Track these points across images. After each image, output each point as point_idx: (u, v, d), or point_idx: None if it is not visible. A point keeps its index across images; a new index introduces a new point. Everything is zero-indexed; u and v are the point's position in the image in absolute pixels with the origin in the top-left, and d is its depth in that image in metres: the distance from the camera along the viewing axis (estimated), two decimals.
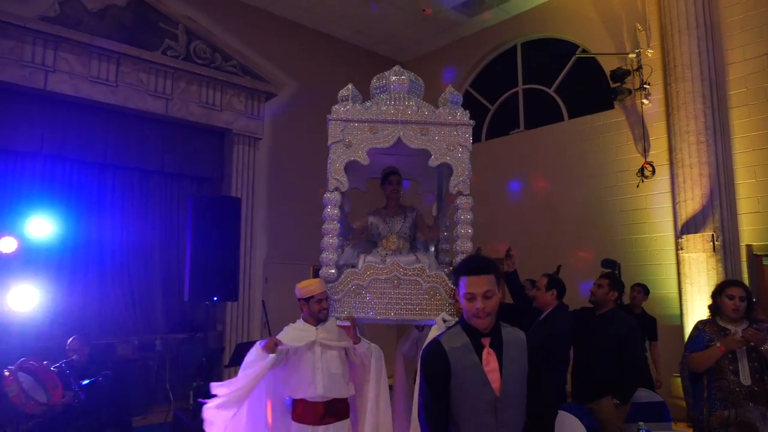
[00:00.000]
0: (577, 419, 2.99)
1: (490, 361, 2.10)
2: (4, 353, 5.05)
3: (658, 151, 6.89)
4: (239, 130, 8.04)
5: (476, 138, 9.12)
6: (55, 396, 4.10)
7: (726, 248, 6.16)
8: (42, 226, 5.00)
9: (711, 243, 6.15)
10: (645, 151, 6.99)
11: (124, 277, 7.32)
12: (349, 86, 3.58)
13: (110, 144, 7.14)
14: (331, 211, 3.45)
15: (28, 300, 4.75)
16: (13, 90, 6.40)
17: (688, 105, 6.44)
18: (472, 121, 3.50)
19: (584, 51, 7.76)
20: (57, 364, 4.29)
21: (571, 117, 7.98)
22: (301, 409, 3.26)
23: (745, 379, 2.91)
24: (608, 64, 7.36)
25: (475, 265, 2.17)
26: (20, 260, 5.15)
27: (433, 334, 3.07)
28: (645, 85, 6.97)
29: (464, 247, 3.40)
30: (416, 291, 3.36)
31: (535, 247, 7.41)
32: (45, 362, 4.30)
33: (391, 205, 3.85)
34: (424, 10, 8.40)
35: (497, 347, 2.13)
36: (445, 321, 3.18)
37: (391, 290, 3.36)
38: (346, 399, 3.34)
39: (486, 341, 2.14)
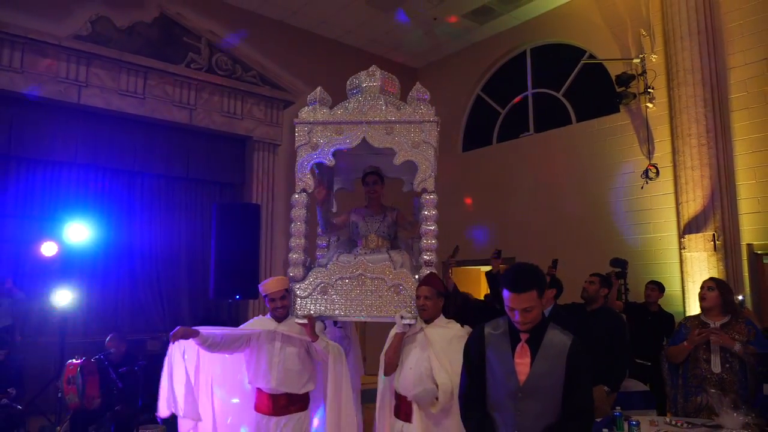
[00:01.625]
0: None
1: (522, 354, 2.25)
2: (47, 348, 5.52)
3: (662, 153, 7.09)
4: (259, 137, 8.46)
5: (487, 141, 9.41)
6: (86, 400, 4.48)
7: (727, 247, 6.36)
8: (79, 231, 5.43)
9: (712, 242, 6.35)
10: (649, 154, 7.20)
11: (153, 278, 7.77)
12: (318, 89, 3.67)
13: (139, 153, 7.60)
14: (298, 212, 3.52)
15: (67, 299, 5.18)
16: (50, 104, 6.88)
17: (689, 109, 6.64)
18: (437, 118, 3.57)
19: (591, 57, 7.99)
20: (97, 356, 4.71)
21: (578, 120, 8.22)
22: (257, 399, 3.38)
23: (716, 367, 3.19)
24: (614, 69, 7.57)
25: (517, 281, 2.23)
26: (60, 263, 5.60)
27: (393, 332, 3.20)
28: (649, 90, 7.18)
29: (429, 243, 3.45)
30: (380, 288, 3.37)
31: (543, 247, 7.66)
32: (99, 356, 4.70)
33: (372, 205, 3.89)
34: (435, 19, 8.70)
35: (534, 344, 2.25)
36: (403, 318, 3.21)
37: (356, 288, 3.38)
38: (302, 395, 3.38)
39: (524, 337, 2.28)
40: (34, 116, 6.88)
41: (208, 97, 7.99)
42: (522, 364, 2.24)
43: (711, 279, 3.45)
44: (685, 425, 3.02)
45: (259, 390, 3.37)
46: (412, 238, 4.03)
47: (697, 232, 6.46)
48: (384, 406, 3.24)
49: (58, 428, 4.62)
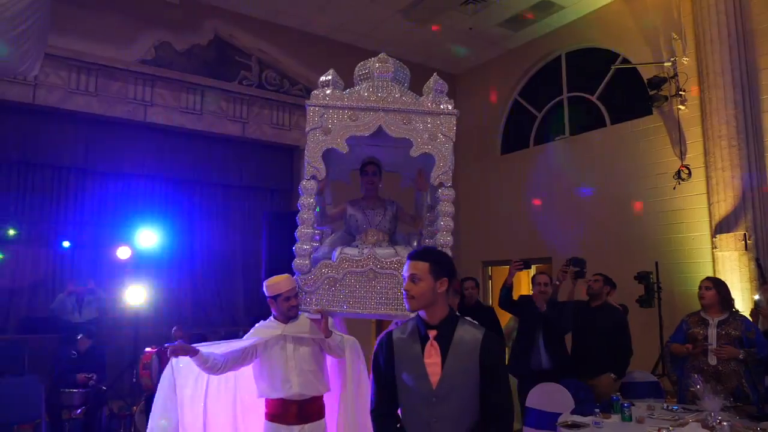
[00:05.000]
0: (564, 389, 3.67)
1: (431, 354, 2.09)
2: (122, 339, 6.29)
3: (695, 155, 7.23)
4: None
5: (525, 144, 9.69)
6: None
7: (758, 247, 6.48)
8: (149, 236, 6.16)
9: (743, 242, 6.48)
10: (682, 155, 7.35)
11: (211, 278, 8.52)
12: (330, 71, 3.44)
13: (198, 164, 8.35)
14: (307, 199, 3.31)
15: (139, 297, 5.90)
16: (120, 123, 7.68)
17: (720, 110, 6.78)
18: (456, 111, 3.39)
19: (624, 60, 8.17)
20: (166, 345, 5.37)
21: (612, 123, 8.41)
22: (275, 409, 3.11)
23: (712, 360, 3.49)
24: (646, 73, 7.75)
25: (416, 251, 2.24)
26: (133, 265, 6.36)
27: None
28: (681, 92, 7.32)
29: (445, 240, 3.28)
30: (393, 285, 3.18)
31: (577, 247, 7.90)
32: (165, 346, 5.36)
33: (370, 197, 3.70)
34: (470, 29, 9.07)
35: (444, 341, 2.11)
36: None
37: (366, 283, 3.19)
38: (321, 397, 3.21)
39: (432, 333, 2.13)
40: (107, 134, 7.71)
41: (258, 110, 8.65)
42: (433, 364, 2.08)
43: (708, 279, 3.74)
44: (680, 410, 3.34)
45: (277, 401, 3.11)
46: (410, 234, 3.88)
47: (728, 231, 6.60)
48: None
49: (134, 408, 5.31)
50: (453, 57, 10.17)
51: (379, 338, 2.27)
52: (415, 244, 3.78)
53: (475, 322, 2.20)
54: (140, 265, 6.51)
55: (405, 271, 2.16)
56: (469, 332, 2.13)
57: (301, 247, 3.30)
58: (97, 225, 7.47)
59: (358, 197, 3.80)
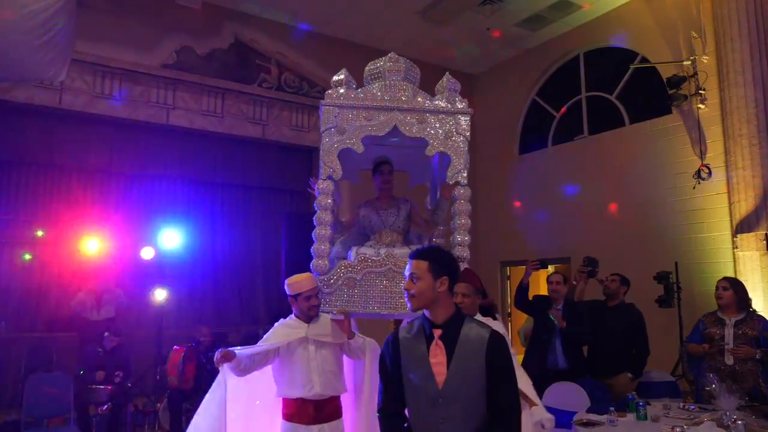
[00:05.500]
0: (580, 388, 3.70)
1: (437, 354, 2.08)
2: (144, 338, 6.44)
3: (715, 154, 7.17)
4: None
5: (543, 144, 9.68)
6: (183, 381, 5.27)
7: None
8: (172, 237, 6.30)
9: (764, 242, 6.41)
10: (702, 154, 7.29)
11: (233, 278, 8.66)
12: (343, 71, 3.42)
13: (219, 165, 8.51)
14: (324, 200, 3.28)
15: (163, 296, 6.04)
16: (143, 126, 7.86)
17: (740, 109, 6.72)
18: (470, 109, 3.39)
19: (642, 59, 8.12)
20: (190, 344, 5.51)
21: (631, 122, 8.36)
22: (294, 409, 3.09)
23: (729, 359, 3.49)
24: (665, 71, 7.69)
25: (418, 250, 2.22)
26: (156, 265, 6.51)
27: None
28: (700, 91, 7.26)
29: (462, 239, 3.28)
30: None
31: (596, 247, 7.86)
32: (191, 344, 5.49)
33: (384, 197, 3.66)
34: (488, 29, 9.09)
35: (450, 341, 2.10)
36: None
37: (385, 283, 3.18)
38: (339, 397, 3.20)
39: (437, 333, 2.11)
40: (131, 136, 7.90)
41: (278, 112, 8.78)
42: (438, 364, 2.07)
43: (725, 279, 3.74)
44: (696, 409, 3.35)
45: (296, 401, 3.09)
46: (422, 234, 3.87)
47: (749, 231, 6.54)
48: None
49: (158, 405, 5.45)
50: (470, 58, 10.19)
51: (387, 338, 2.25)
52: (426, 243, 3.74)
53: (483, 321, 2.19)
54: (163, 265, 6.66)
55: (406, 270, 2.18)
56: (474, 331, 2.11)
57: (318, 247, 3.28)
58: (122, 226, 7.66)
59: (371, 197, 3.78)
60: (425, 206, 4.10)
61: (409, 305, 2.16)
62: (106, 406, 5.22)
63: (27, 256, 7.33)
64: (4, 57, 4.62)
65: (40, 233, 7.23)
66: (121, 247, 7.39)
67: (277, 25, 8.84)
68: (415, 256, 2.18)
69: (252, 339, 8.21)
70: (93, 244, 7.00)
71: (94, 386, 5.24)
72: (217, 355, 2.94)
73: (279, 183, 9.08)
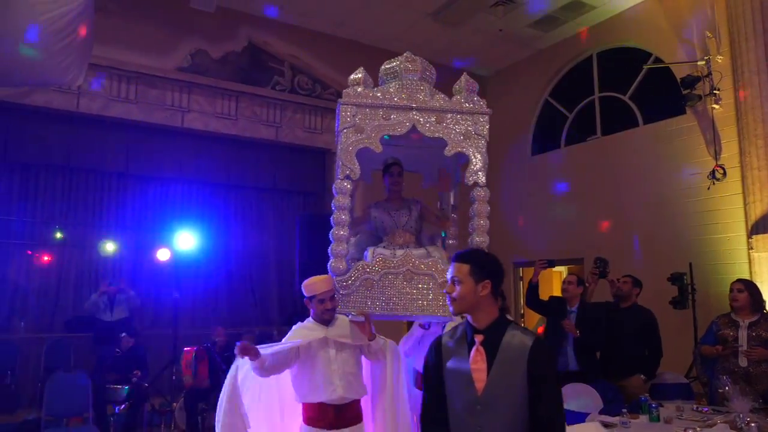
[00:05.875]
0: (593, 389, 3.70)
1: (477, 360, 2.03)
2: (160, 338, 6.54)
3: (729, 154, 7.11)
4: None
5: (556, 144, 9.65)
6: (196, 382, 5.34)
7: None
8: (187, 239, 6.38)
9: None
10: (716, 154, 7.23)
11: (246, 279, 8.75)
12: (361, 70, 3.36)
13: (232, 167, 8.60)
14: (342, 200, 3.22)
15: (178, 297, 6.13)
16: (159, 129, 7.96)
17: (755, 109, 6.66)
18: (489, 110, 3.38)
19: (656, 59, 8.08)
20: (205, 345, 5.59)
21: (645, 123, 8.32)
22: (314, 413, 3.02)
23: (742, 361, 3.48)
24: (679, 72, 7.65)
25: (460, 252, 2.19)
26: (172, 266, 6.60)
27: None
28: (715, 91, 7.21)
29: (480, 240, 3.28)
30: (430, 286, 3.13)
31: (610, 249, 7.85)
32: (206, 344, 5.58)
33: (394, 198, 3.64)
34: (500, 30, 9.09)
35: (491, 347, 2.04)
36: (463, 317, 2.93)
37: (403, 284, 3.12)
38: (360, 400, 3.15)
39: (478, 338, 2.07)
40: (146, 139, 8.01)
41: (291, 115, 8.84)
42: (478, 370, 2.01)
43: (740, 281, 3.72)
44: (709, 411, 3.34)
45: (317, 405, 3.03)
46: (434, 234, 3.85)
47: (765, 232, 6.48)
48: None
49: (174, 404, 5.53)
50: (482, 59, 10.19)
51: (431, 343, 2.22)
52: (438, 244, 3.74)
53: (526, 327, 2.17)
54: (179, 266, 6.75)
55: (448, 273, 2.15)
56: (517, 338, 2.04)
57: (336, 248, 3.22)
58: (138, 228, 7.78)
59: (380, 198, 3.77)
60: (436, 206, 4.07)
61: (451, 309, 2.14)
62: (123, 406, 5.31)
63: (45, 258, 7.46)
64: (24, 63, 4.73)
65: (59, 235, 7.36)
66: (138, 249, 7.50)
67: (290, 28, 8.90)
68: (457, 258, 2.14)
69: (266, 339, 8.32)
70: (110, 246, 7.10)
71: (112, 386, 5.33)
72: (239, 346, 2.89)
73: (292, 185, 9.16)
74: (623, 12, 8.56)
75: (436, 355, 2.14)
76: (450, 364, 2.08)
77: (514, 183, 9.87)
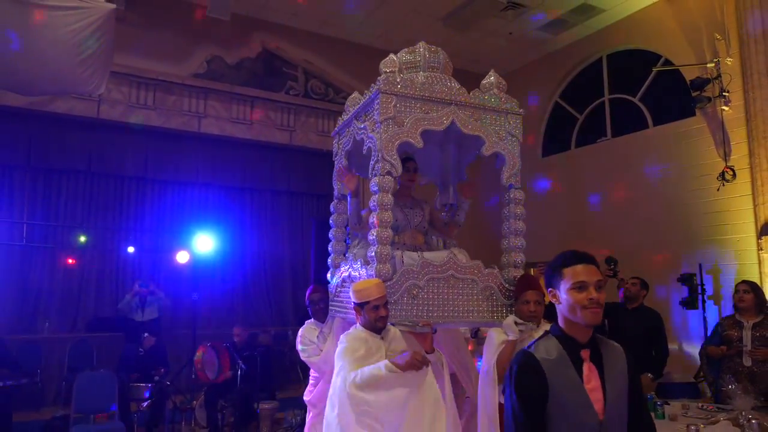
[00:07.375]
0: None
1: (591, 378, 1.76)
2: (180, 338, 6.73)
3: (739, 156, 7.16)
4: None
5: (566, 146, 9.74)
6: (220, 376, 5.51)
7: None
8: (205, 241, 6.57)
9: None
10: (726, 156, 7.28)
11: (262, 280, 8.94)
12: (392, 56, 3.14)
13: (248, 171, 8.80)
14: (384, 198, 2.90)
15: (197, 297, 6.32)
16: (176, 134, 8.18)
17: (765, 111, 6.72)
18: (521, 111, 3.26)
19: (666, 61, 8.15)
20: (226, 344, 5.75)
21: (655, 124, 8.38)
22: None
23: (747, 361, 3.58)
24: (689, 73, 7.71)
25: (583, 254, 1.85)
26: (191, 268, 6.80)
27: (500, 338, 2.83)
28: (724, 93, 7.26)
29: (516, 242, 3.12)
30: (472, 291, 2.95)
31: (620, 250, 7.91)
32: (225, 344, 5.76)
33: (406, 195, 3.41)
34: (510, 33, 9.20)
35: (598, 362, 1.80)
36: (517, 324, 2.79)
37: (447, 290, 2.91)
38: None
39: (586, 354, 1.79)
40: (164, 144, 8.23)
41: (305, 119, 9.01)
42: (594, 390, 1.76)
43: (745, 282, 3.82)
44: (715, 409, 3.44)
45: None
46: (436, 237, 3.61)
47: None
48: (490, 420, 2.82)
49: (194, 402, 5.71)
50: (492, 62, 10.29)
51: (518, 362, 1.83)
52: (442, 247, 3.50)
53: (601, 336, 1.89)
54: (197, 268, 6.95)
55: (584, 276, 1.77)
56: (610, 346, 1.85)
57: (381, 251, 2.88)
58: (157, 231, 8.01)
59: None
60: (434, 206, 3.84)
61: (593, 320, 1.77)
62: (146, 403, 5.49)
63: (68, 260, 7.69)
64: (49, 72, 4.92)
65: (81, 239, 7.59)
66: (157, 251, 7.71)
67: (303, 34, 9.07)
68: (591, 261, 1.83)
69: (281, 339, 8.51)
70: (131, 249, 7.32)
71: (136, 384, 5.52)
72: (416, 360, 2.54)
73: (306, 188, 9.34)
74: (632, 14, 8.63)
75: (537, 377, 1.77)
76: (557, 386, 1.75)
77: (525, 184, 9.90)
